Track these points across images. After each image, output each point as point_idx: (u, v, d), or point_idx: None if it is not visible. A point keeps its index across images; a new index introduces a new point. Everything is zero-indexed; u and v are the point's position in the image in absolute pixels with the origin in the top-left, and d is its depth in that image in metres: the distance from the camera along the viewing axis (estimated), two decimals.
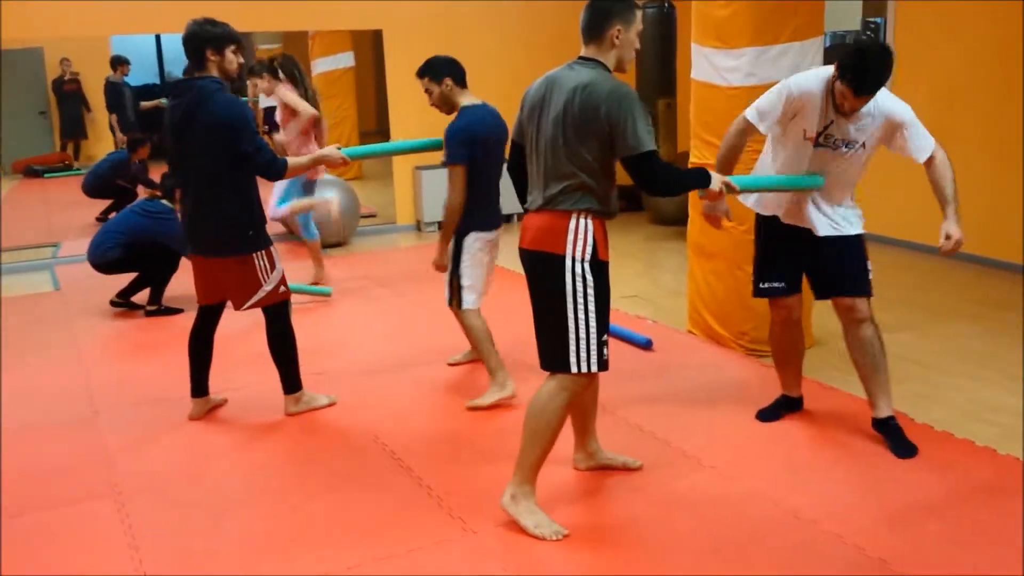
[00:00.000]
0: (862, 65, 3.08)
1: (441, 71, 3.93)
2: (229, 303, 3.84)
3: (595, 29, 2.80)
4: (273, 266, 3.69)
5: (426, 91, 3.99)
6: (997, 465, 3.27)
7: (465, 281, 3.94)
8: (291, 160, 3.66)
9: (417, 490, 3.22)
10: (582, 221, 2.78)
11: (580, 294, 2.77)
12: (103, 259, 5.59)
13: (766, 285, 3.61)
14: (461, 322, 4.03)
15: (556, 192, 2.78)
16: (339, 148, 3.77)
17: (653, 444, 3.52)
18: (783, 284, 3.58)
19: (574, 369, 2.80)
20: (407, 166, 8.22)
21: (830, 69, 3.26)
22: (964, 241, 3.20)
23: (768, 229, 3.60)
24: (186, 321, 5.33)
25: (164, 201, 5.57)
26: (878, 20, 6.83)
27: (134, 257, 5.57)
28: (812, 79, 3.31)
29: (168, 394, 4.21)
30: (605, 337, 2.84)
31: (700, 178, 2.96)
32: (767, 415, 3.77)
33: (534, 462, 2.91)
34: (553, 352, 2.83)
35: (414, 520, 3.02)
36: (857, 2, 7.03)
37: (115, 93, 8.45)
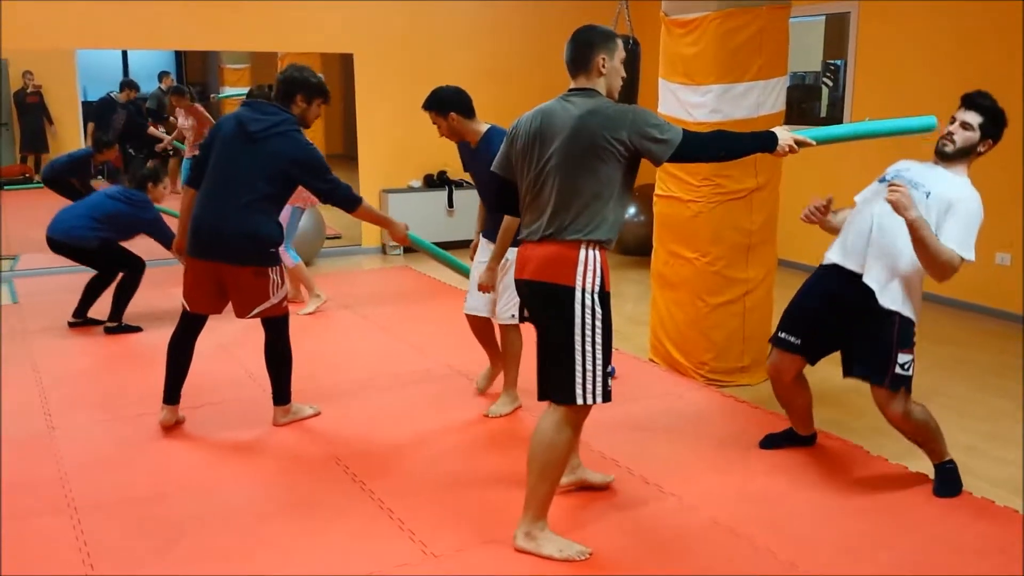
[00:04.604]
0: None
1: (445, 106, 3.94)
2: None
3: (581, 60, 2.83)
4: (283, 282, 3.88)
5: (434, 123, 4.03)
6: (952, 500, 3.34)
7: None
8: (367, 204, 3.97)
9: (378, 513, 3.22)
10: (591, 252, 2.74)
11: (589, 326, 2.73)
12: (73, 241, 5.36)
13: (782, 335, 3.48)
14: (507, 335, 4.13)
15: (566, 222, 2.73)
16: (408, 229, 4.14)
17: (616, 471, 3.55)
18: (798, 342, 3.45)
19: (579, 401, 2.76)
20: (374, 188, 8.23)
21: None
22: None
23: (818, 284, 3.45)
24: (144, 339, 5.32)
25: (138, 190, 5.42)
26: (839, 62, 7.02)
27: (106, 253, 5.42)
28: None
29: (126, 412, 4.16)
30: (610, 367, 2.81)
31: (764, 140, 2.91)
32: (769, 442, 3.75)
33: (545, 498, 2.87)
34: (558, 383, 2.78)
35: (374, 544, 3.01)
36: (819, 44, 7.22)
37: (107, 108, 8.34)
